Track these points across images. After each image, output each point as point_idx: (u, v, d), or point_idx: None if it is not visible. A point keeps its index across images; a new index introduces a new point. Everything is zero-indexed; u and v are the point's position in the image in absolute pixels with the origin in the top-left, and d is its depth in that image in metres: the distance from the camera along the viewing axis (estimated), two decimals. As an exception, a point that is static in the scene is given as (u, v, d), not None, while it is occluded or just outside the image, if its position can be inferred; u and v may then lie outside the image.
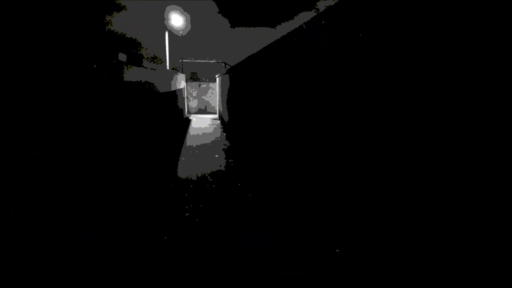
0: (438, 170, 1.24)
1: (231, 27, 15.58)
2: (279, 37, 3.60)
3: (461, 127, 1.12)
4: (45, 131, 2.20)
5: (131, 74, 4.73)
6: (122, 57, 4.03)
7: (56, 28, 2.40)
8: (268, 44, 4.08)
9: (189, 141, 9.19)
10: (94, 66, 3.21)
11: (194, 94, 18.46)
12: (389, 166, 1.59)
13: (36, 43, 2.12)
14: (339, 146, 2.20)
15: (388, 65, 1.56)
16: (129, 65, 4.54)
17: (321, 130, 2.52)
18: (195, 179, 5.36)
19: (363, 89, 1.83)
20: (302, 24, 2.91)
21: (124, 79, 4.31)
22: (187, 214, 3.82)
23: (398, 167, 1.50)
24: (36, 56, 2.11)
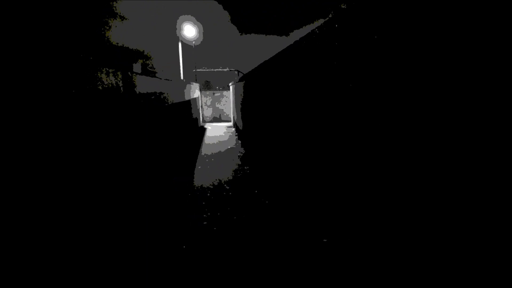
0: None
1: (240, 34, 15.68)
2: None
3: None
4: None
5: (146, 85, 4.75)
6: (137, 68, 4.05)
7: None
8: (282, 50, 4.03)
9: (204, 150, 9.19)
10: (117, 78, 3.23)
11: (208, 103, 18.60)
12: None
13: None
14: (361, 154, 2.11)
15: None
16: (143, 75, 4.57)
17: (344, 135, 2.43)
18: (212, 187, 5.31)
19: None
20: (315, 29, 2.85)
21: (138, 91, 4.33)
22: (204, 223, 3.76)
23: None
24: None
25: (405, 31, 1.54)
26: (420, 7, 1.42)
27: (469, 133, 1.22)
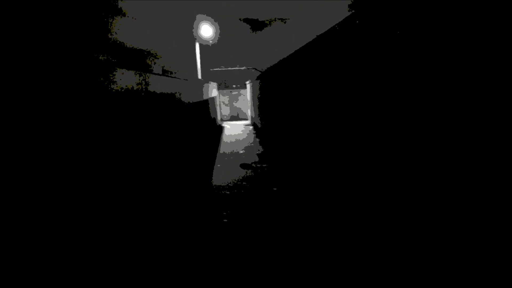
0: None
1: (253, 32, 15.64)
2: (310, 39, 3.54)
3: None
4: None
5: (166, 85, 4.84)
6: (157, 69, 4.13)
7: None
8: (301, 47, 4.01)
9: (223, 148, 9.28)
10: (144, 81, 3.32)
11: (226, 101, 18.72)
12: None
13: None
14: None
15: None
16: (163, 76, 4.66)
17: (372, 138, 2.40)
18: (232, 185, 5.36)
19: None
20: (335, 25, 2.82)
21: (158, 91, 4.42)
22: (225, 220, 3.81)
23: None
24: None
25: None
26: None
27: (450, 141, 1.19)
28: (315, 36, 3.29)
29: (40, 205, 1.85)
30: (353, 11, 2.42)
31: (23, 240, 1.72)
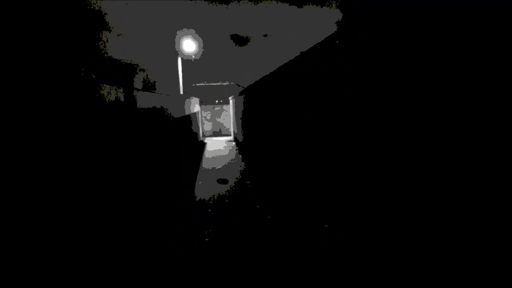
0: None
1: (237, 46, 15.78)
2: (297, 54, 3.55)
3: None
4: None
5: (146, 100, 4.72)
6: (138, 83, 4.02)
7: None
8: (283, 64, 4.01)
9: (205, 164, 9.12)
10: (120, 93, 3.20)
11: (208, 117, 18.62)
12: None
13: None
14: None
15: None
16: (144, 91, 4.54)
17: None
18: (212, 202, 5.22)
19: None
20: (316, 44, 2.83)
21: (139, 106, 4.30)
22: (206, 239, 3.66)
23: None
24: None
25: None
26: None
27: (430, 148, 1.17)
28: (299, 53, 3.30)
29: (43, 204, 1.75)
30: (337, 27, 2.42)
31: (25, 238, 1.62)
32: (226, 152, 11.49)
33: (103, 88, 2.96)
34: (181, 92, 13.28)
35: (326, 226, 2.92)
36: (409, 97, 1.57)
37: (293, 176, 4.03)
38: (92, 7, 2.95)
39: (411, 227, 1.63)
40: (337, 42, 2.43)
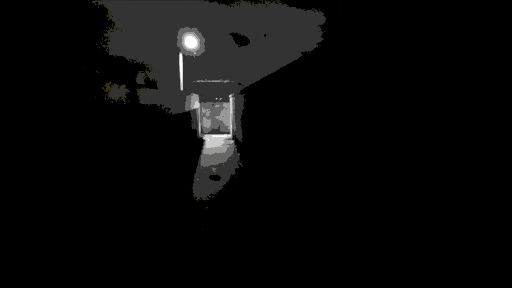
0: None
1: (239, 46, 15.77)
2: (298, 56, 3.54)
3: None
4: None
5: (148, 97, 4.72)
6: (140, 80, 4.02)
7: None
8: (286, 65, 4.01)
9: (203, 162, 9.13)
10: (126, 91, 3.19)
11: (208, 114, 18.60)
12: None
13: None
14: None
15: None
16: (145, 88, 4.54)
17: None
18: (210, 200, 5.22)
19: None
20: (317, 45, 2.83)
21: (140, 103, 4.29)
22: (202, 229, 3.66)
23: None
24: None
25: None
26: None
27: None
28: (300, 54, 3.29)
29: (43, 204, 1.75)
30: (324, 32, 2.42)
31: (24, 239, 1.63)
32: (225, 150, 11.49)
33: (103, 84, 2.96)
34: (182, 89, 13.26)
35: (324, 229, 2.93)
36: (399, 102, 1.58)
37: (291, 175, 4.05)
38: (95, 3, 2.95)
39: (410, 230, 1.63)
40: (331, 45, 2.44)
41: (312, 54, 3.06)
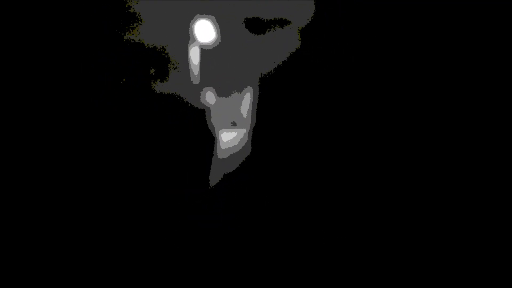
0: None
1: (255, 34, 15.78)
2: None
3: None
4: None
5: (162, 88, 4.72)
6: (154, 73, 4.01)
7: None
8: (303, 53, 3.96)
9: (219, 154, 9.19)
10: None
11: (223, 107, 18.75)
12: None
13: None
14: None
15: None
16: (160, 79, 4.53)
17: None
18: (225, 188, 5.22)
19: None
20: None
21: (153, 96, 4.30)
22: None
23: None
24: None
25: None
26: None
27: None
28: (321, 40, 3.27)
29: (43, 204, 1.79)
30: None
31: (24, 239, 1.67)
32: (242, 143, 11.54)
33: (104, 79, 2.98)
34: (197, 81, 13.39)
35: (324, 228, 2.92)
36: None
37: (293, 176, 4.03)
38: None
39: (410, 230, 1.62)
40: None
41: (312, 54, 3.10)
